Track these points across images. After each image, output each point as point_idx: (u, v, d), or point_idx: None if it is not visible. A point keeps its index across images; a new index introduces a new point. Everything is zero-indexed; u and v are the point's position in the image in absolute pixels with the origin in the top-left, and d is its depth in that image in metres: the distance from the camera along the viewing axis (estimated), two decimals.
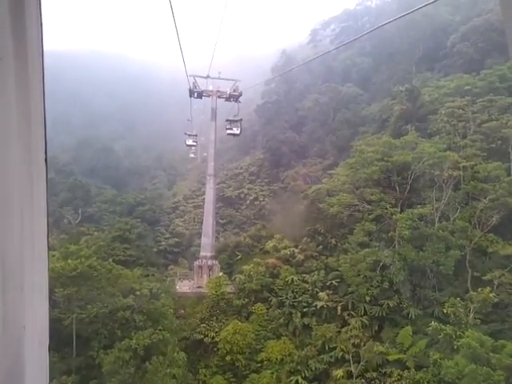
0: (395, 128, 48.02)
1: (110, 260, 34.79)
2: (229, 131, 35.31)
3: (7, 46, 1.24)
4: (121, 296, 27.78)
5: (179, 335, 30.48)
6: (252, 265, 35.43)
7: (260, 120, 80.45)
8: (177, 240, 66.32)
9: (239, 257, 40.94)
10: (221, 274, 37.63)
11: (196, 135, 44.17)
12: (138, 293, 27.77)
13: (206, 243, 39.30)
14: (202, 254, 39.23)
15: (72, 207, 64.96)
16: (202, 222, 68.91)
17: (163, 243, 66.21)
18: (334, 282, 34.22)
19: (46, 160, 1.39)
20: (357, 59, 79.01)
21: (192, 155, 70.05)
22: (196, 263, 38.91)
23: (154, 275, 38.90)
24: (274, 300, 33.52)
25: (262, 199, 69.88)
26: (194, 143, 45.30)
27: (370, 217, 33.52)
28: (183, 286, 37.93)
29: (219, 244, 46.44)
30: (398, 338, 30.31)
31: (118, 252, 42.45)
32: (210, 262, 38.00)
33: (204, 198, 72.30)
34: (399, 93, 53.13)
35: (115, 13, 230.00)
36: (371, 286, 32.59)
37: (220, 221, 66.99)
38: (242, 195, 72.45)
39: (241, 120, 35.50)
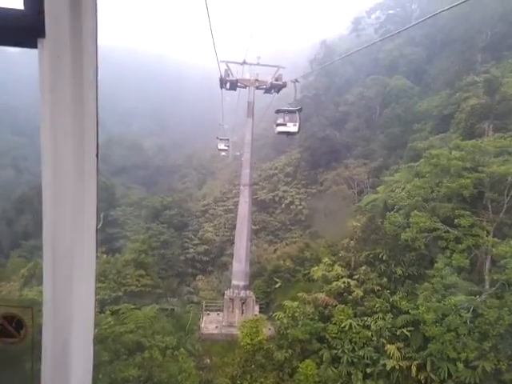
0: (466, 126, 37.76)
1: (121, 291, 26.57)
2: (281, 128, 23.42)
3: (65, 44, 1.24)
4: (122, 358, 19.32)
5: None
6: (296, 303, 26.31)
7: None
8: (206, 247, 58.06)
9: (278, 284, 32.09)
10: (257, 309, 28.87)
11: (228, 139, 40.15)
12: (146, 354, 19.19)
13: (239, 270, 29.88)
14: (234, 282, 29.96)
15: None
16: (232, 228, 60.97)
17: (191, 250, 58.09)
18: (404, 330, 24.81)
19: (97, 155, 1.36)
20: (405, 50, 68.04)
21: (223, 153, 62.63)
22: (226, 294, 29.81)
23: (173, 310, 30.34)
24: (327, 354, 24.27)
25: (298, 203, 60.51)
26: (226, 147, 41.53)
27: (460, 247, 23.82)
28: (210, 323, 29.29)
29: (252, 265, 37.31)
30: None
31: (130, 281, 34.08)
32: (243, 294, 29.00)
33: (236, 201, 64.24)
34: (473, 84, 42.79)
35: (151, 10, 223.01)
36: (458, 339, 23.07)
37: (252, 227, 58.43)
38: (277, 198, 63.22)
39: (300, 110, 23.24)
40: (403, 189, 32.02)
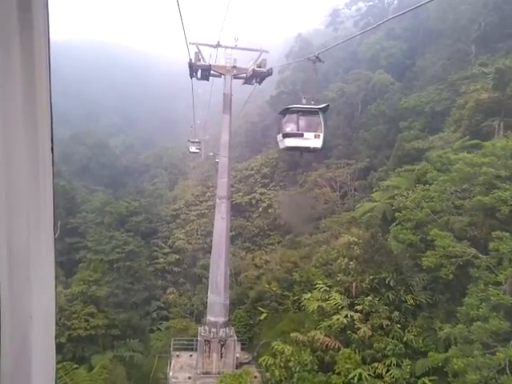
0: (470, 124, 32.41)
1: (65, 338, 19.53)
2: (292, 141, 13.65)
3: (14, 37, 1.17)
4: None
5: None
6: (289, 348, 20.06)
7: (274, 113, 64.36)
8: (177, 257, 51.22)
9: (264, 315, 25.85)
10: (238, 349, 22.48)
11: (200, 142, 34.37)
12: None
13: (216, 303, 22.03)
14: (211, 319, 22.27)
15: None
16: (206, 235, 54.25)
17: (161, 260, 51.13)
18: (427, 381, 19.09)
19: (52, 149, 1.31)
20: (385, 43, 62.86)
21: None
22: (201, 334, 22.57)
23: (132, 357, 23.50)
24: None
25: (276, 206, 54.47)
26: (198, 150, 35.57)
27: (498, 278, 18.15)
28: (180, 370, 22.47)
29: (232, 289, 30.15)
30: None
31: (76, 323, 26.23)
32: (222, 333, 22.25)
33: (210, 205, 57.41)
34: (468, 78, 37.63)
35: (118, 1, 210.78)
36: None
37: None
38: (254, 201, 56.88)
39: (326, 109, 14.13)
40: (407, 197, 26.21)
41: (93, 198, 58.38)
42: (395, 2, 66.98)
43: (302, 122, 13.70)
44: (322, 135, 13.74)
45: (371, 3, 68.74)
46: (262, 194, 57.04)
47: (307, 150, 14.20)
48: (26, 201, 1.26)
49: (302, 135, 13.54)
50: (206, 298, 32.40)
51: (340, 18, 72.94)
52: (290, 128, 13.83)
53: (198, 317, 38.60)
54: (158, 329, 42.09)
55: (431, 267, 19.80)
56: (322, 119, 13.90)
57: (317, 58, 13.44)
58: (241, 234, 53.34)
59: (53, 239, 1.37)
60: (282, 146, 14.44)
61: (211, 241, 39.20)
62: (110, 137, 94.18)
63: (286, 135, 13.83)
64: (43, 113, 1.26)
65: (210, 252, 34.72)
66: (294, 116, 13.84)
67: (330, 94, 58.70)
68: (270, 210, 54.60)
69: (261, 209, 55.46)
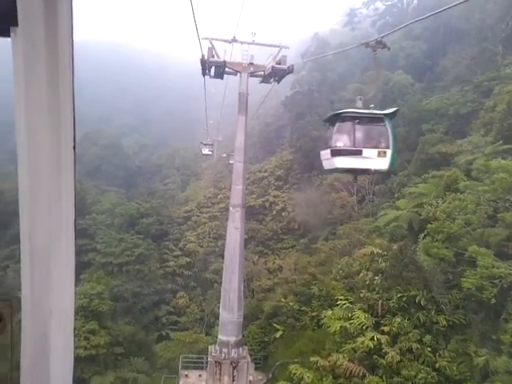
0: (502, 128, 29.81)
1: None
2: (345, 161, 9.82)
3: (39, 33, 1.17)
4: None
5: None
6: (309, 374, 17.88)
7: (289, 114, 62.15)
8: (188, 260, 49.34)
9: (279, 333, 23.66)
10: (252, 369, 20.39)
11: (212, 144, 33.04)
12: None
13: (229, 321, 19.77)
14: (222, 338, 19.96)
15: None
16: (217, 238, 52.25)
17: (171, 263, 49.31)
18: None
19: (74, 148, 1.32)
20: (403, 43, 60.15)
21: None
22: (211, 354, 20.35)
23: (136, 378, 21.47)
24: None
25: (290, 209, 52.28)
26: (210, 152, 33.78)
27: None
28: None
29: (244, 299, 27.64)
30: None
31: (75, 341, 24.80)
32: (234, 354, 20.11)
33: (222, 208, 55.39)
34: (495, 79, 35.01)
35: (136, 2, 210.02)
36: None
37: None
38: (267, 204, 54.69)
39: (394, 115, 10.38)
40: (436, 206, 23.79)
41: (103, 198, 56.82)
42: (415, 1, 64.15)
43: (360, 133, 9.85)
44: (389, 152, 9.84)
45: (389, 3, 66.05)
46: (275, 196, 54.87)
47: (367, 172, 10.67)
48: (48, 198, 1.25)
49: (359, 152, 9.65)
50: (217, 305, 30.53)
51: (357, 18, 70.31)
52: (341, 142, 9.91)
53: (208, 326, 36.65)
54: (167, 334, 40.31)
55: (470, 288, 17.40)
56: (389, 129, 10.04)
57: (380, 42, 9.87)
58: (253, 238, 51.13)
59: (73, 236, 1.35)
60: (328, 166, 10.56)
61: (223, 244, 37.42)
62: (123, 137, 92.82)
63: (335, 152, 9.82)
64: (66, 110, 1.24)
65: (222, 256, 32.89)
66: (349, 125, 9.92)
67: (346, 94, 56.28)
68: (283, 214, 52.47)
69: (274, 212, 53.34)
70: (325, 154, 10.48)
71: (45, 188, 1.24)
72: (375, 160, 9.77)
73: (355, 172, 10.91)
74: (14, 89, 1.18)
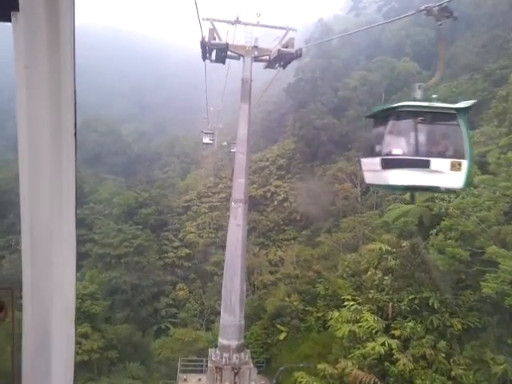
0: None
1: None
2: (397, 176, 6.76)
3: (40, 18, 1.15)
4: None
5: None
6: (315, 379, 16.56)
7: (292, 101, 60.13)
8: (188, 251, 47.98)
9: (283, 335, 22.31)
10: (254, 375, 19.11)
11: (213, 133, 33.11)
12: None
13: (230, 324, 18.27)
14: (223, 342, 18.43)
15: None
16: (218, 229, 50.79)
17: (171, 254, 47.97)
18: None
19: (75, 135, 1.30)
20: (410, 30, 57.95)
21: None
22: (211, 359, 18.96)
23: None
24: None
25: (292, 200, 50.76)
26: (211, 141, 32.89)
27: None
28: None
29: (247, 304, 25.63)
30: None
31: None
32: (235, 359, 18.41)
33: (222, 198, 53.80)
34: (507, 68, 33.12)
35: None
36: None
37: None
38: (269, 194, 53.13)
39: (469, 109, 7.40)
40: (449, 202, 22.24)
41: (101, 187, 55.22)
42: None
43: (424, 136, 7.04)
44: (465, 164, 7.07)
45: None
46: (277, 186, 53.27)
47: (434, 190, 7.81)
48: (49, 185, 1.23)
49: (426, 164, 6.87)
50: (218, 300, 29.18)
51: (362, 4, 67.85)
52: (397, 148, 7.07)
53: (209, 320, 35.40)
54: (167, 328, 39.19)
55: (491, 294, 15.93)
56: (463, 131, 7.28)
57: (445, 9, 7.17)
58: (254, 229, 49.66)
59: (74, 223, 1.31)
60: (376, 180, 7.76)
61: (223, 235, 36.03)
62: (122, 124, 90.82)
63: (390, 163, 7.02)
64: (67, 96, 1.21)
65: (222, 247, 31.45)
66: (409, 124, 7.03)
67: (351, 82, 54.38)
68: (285, 204, 50.95)
69: (276, 202, 51.82)
70: (370, 163, 7.60)
71: (46, 174, 1.21)
72: (447, 175, 6.99)
73: (416, 190, 8.58)
74: (15, 74, 1.14)
